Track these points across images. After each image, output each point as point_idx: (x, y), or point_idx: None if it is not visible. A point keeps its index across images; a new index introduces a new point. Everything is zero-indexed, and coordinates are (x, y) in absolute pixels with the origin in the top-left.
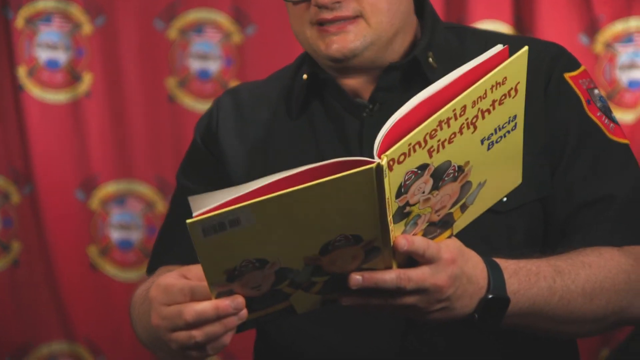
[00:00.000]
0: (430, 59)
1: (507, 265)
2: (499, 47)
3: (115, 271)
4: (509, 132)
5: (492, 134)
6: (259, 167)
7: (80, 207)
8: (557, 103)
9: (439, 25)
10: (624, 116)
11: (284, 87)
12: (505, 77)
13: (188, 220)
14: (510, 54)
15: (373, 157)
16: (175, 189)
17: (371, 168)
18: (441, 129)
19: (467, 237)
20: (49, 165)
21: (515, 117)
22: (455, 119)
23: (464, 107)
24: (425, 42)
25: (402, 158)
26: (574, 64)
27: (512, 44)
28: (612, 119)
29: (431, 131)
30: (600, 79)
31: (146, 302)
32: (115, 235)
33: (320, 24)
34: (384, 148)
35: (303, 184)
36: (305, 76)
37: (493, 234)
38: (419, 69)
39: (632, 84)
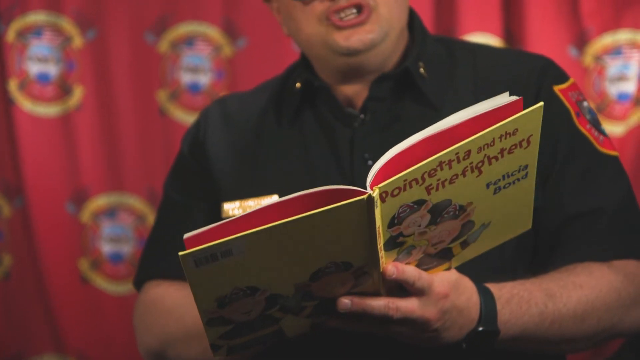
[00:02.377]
0: (422, 69)
1: (501, 294)
2: (512, 98)
3: (106, 284)
4: (518, 179)
5: (499, 180)
6: (247, 177)
7: (71, 220)
8: (546, 116)
9: (428, 37)
10: (613, 128)
11: (272, 96)
12: (517, 129)
13: (180, 253)
14: (499, 71)
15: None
16: (162, 200)
17: (362, 199)
18: (442, 169)
19: None
20: (40, 178)
21: (526, 166)
22: (458, 161)
23: (469, 151)
24: (416, 52)
25: (396, 192)
26: (562, 77)
27: (501, 56)
28: (602, 131)
29: (430, 170)
30: (589, 91)
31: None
32: (106, 248)
33: (335, 18)
34: (379, 179)
35: (294, 214)
36: (298, 84)
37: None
38: (411, 79)
39: (622, 96)
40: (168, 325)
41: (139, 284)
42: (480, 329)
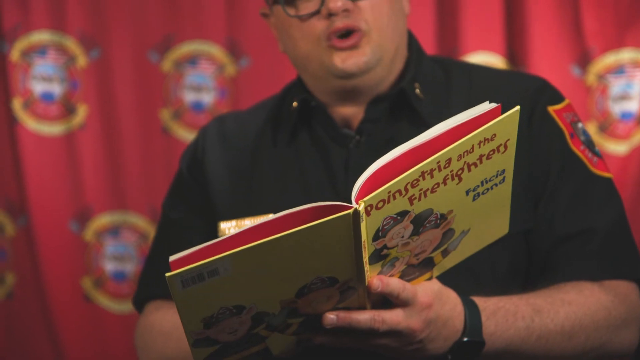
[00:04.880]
0: (418, 90)
1: (486, 306)
2: (492, 105)
3: (109, 302)
4: (496, 184)
5: (478, 186)
6: (243, 195)
7: (75, 239)
8: (540, 136)
9: (424, 58)
10: (617, 147)
11: (269, 115)
12: (495, 134)
13: (167, 274)
14: (496, 90)
15: (356, 191)
16: (161, 219)
17: (348, 214)
18: (424, 179)
19: (452, 270)
20: (44, 196)
21: (504, 171)
22: (440, 170)
23: (449, 159)
24: (411, 73)
25: (380, 204)
26: (557, 98)
27: (497, 77)
28: (596, 153)
29: (413, 181)
30: (592, 111)
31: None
32: (109, 266)
33: (332, 39)
34: (363, 194)
35: (280, 232)
36: (295, 103)
37: (477, 266)
38: (407, 100)
39: (625, 115)
40: (167, 347)
41: (138, 303)
42: (465, 339)
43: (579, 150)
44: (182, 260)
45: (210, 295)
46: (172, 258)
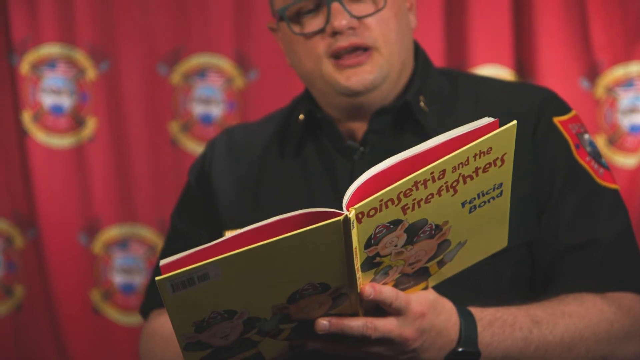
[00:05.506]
0: (422, 103)
1: (483, 316)
2: (489, 119)
3: (118, 315)
4: (493, 198)
5: (474, 198)
6: (250, 207)
7: (83, 251)
8: (545, 147)
9: (431, 70)
10: (626, 160)
11: (277, 128)
12: (491, 147)
13: (157, 278)
14: (501, 103)
15: (348, 198)
16: (169, 230)
17: (339, 221)
18: (417, 189)
19: (454, 280)
20: (53, 209)
21: (501, 184)
22: (433, 181)
23: (443, 171)
24: (417, 85)
25: (372, 212)
26: (564, 109)
27: (504, 89)
28: (602, 164)
29: (406, 190)
30: (601, 124)
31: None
32: (117, 279)
33: (336, 57)
34: (355, 201)
35: (271, 237)
36: (301, 116)
37: (480, 278)
38: (411, 113)
39: (634, 128)
40: (167, 351)
41: (144, 312)
42: (460, 349)
43: (584, 161)
44: (172, 264)
45: (201, 299)
46: (162, 262)
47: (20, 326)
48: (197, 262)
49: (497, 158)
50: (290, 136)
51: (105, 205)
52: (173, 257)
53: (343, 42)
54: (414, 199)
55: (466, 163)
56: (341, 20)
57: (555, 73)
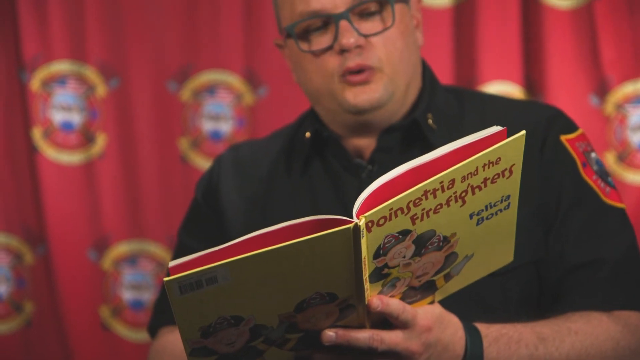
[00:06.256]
0: (430, 121)
1: (489, 332)
2: (497, 128)
3: (127, 331)
4: (501, 210)
5: (482, 210)
6: (257, 224)
7: (93, 267)
8: (551, 165)
9: (438, 88)
10: (635, 177)
11: (284, 145)
12: (499, 158)
13: (165, 279)
14: (510, 120)
15: (358, 206)
16: (176, 246)
17: (348, 228)
18: (426, 198)
19: (462, 297)
20: (63, 225)
21: (509, 197)
22: (443, 190)
23: (453, 180)
24: (424, 103)
25: (382, 221)
26: (570, 127)
27: (510, 107)
28: (609, 183)
29: (415, 199)
30: (611, 140)
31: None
32: (126, 295)
33: (345, 74)
34: (364, 209)
35: (280, 243)
36: (308, 134)
37: (488, 296)
38: (419, 131)
39: None
40: None
41: (152, 330)
42: None
43: (591, 179)
44: (181, 266)
45: (208, 303)
46: (171, 264)
47: (29, 342)
48: (205, 265)
49: (506, 169)
50: (297, 154)
51: (114, 222)
52: (182, 259)
53: (351, 62)
54: (423, 209)
55: (475, 173)
56: (349, 39)
57: (564, 90)
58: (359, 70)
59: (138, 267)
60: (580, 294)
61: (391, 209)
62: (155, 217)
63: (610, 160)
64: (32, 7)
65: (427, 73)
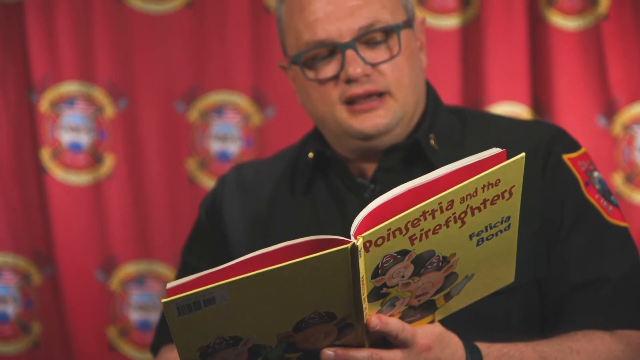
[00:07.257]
0: (432, 141)
1: (490, 352)
2: (496, 150)
3: (134, 352)
4: (501, 231)
5: (482, 231)
6: (259, 244)
7: (100, 288)
8: (554, 184)
9: (441, 108)
10: None
11: (288, 165)
12: (499, 179)
13: (163, 300)
14: (513, 140)
15: (356, 226)
16: (180, 265)
17: (346, 248)
18: (425, 219)
19: (462, 316)
20: (70, 246)
21: (509, 217)
22: (442, 211)
23: (452, 201)
24: (427, 124)
25: (380, 241)
26: (573, 146)
27: (514, 126)
28: (612, 202)
29: (413, 220)
30: (619, 161)
31: None
32: (134, 315)
33: (349, 102)
34: (362, 229)
35: (278, 263)
36: (310, 154)
37: (489, 315)
38: (421, 151)
39: None
40: None
41: (154, 349)
42: None
43: (593, 198)
44: (179, 287)
45: (206, 324)
46: (169, 285)
47: None
48: (203, 286)
49: (506, 190)
50: (300, 174)
51: (122, 242)
52: (180, 280)
53: (357, 89)
54: (422, 230)
55: (474, 194)
56: (356, 68)
57: (572, 111)
58: (367, 96)
59: (146, 288)
60: (583, 312)
61: (389, 229)
62: (162, 238)
63: (617, 181)
64: (40, 28)
65: (430, 94)
